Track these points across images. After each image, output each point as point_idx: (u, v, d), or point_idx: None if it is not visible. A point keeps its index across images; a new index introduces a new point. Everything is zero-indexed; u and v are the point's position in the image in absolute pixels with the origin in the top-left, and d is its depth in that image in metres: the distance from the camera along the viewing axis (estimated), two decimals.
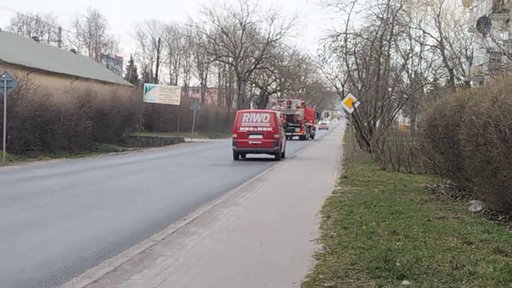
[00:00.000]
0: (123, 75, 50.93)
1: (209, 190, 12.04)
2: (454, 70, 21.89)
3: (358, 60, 22.30)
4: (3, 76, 16.19)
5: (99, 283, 4.60)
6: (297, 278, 4.83)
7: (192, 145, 31.16)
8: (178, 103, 34.46)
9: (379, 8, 21.13)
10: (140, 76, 55.48)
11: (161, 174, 15.81)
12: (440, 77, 23.32)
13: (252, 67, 47.52)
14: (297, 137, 38.48)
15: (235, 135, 19.68)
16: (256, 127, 19.63)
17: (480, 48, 20.81)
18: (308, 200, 10.42)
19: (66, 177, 14.53)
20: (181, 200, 10.65)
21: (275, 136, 19.50)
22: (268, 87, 51.33)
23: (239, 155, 19.95)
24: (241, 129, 19.59)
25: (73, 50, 47.20)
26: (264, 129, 19.53)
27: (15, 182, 13.22)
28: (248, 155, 20.23)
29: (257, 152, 19.84)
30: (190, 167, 17.86)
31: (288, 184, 13.23)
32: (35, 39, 43.67)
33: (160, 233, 6.92)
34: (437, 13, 20.16)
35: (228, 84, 55.16)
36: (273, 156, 19.92)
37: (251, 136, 19.50)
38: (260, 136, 19.53)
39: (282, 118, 29.62)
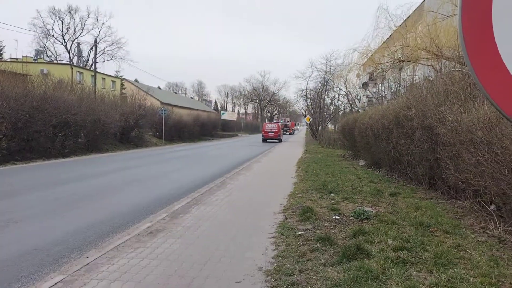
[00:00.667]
0: (212, 107, 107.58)
1: (248, 156, 23.31)
2: (352, 105, 39.48)
3: (311, 101, 48.96)
4: (163, 108, 35.96)
5: (203, 195, 9.99)
6: (286, 193, 10.27)
7: (241, 138, 58.33)
8: (235, 119, 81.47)
9: (320, 79, 45.45)
10: (219, 107, 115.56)
11: (227, 149, 30.43)
12: (345, 108, 43.74)
13: (267, 104, 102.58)
14: (287, 134, 73.44)
15: (263, 132, 44.24)
16: (271, 129, 43.98)
17: (363, 95, 41.29)
18: (291, 159, 19.59)
19: (188, 151, 27.47)
20: (237, 160, 20.26)
21: (279, 133, 43.80)
22: (274, 112, 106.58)
23: (265, 140, 43.14)
24: (266, 129, 44.27)
25: (191, 97, 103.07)
26: (274, 129, 43.78)
27: (168, 152, 25.40)
28: (268, 140, 43.10)
29: (271, 139, 43.16)
30: (240, 146, 35.15)
31: (282, 153, 25.97)
32: (175, 92, 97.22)
33: (228, 174, 13.48)
34: (345, 80, 37.93)
35: (256, 111, 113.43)
36: (277, 141, 43.15)
37: (269, 133, 43.40)
38: (273, 133, 43.34)
39: (281, 126, 58.83)
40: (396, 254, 5.00)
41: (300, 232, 6.26)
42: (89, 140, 23.05)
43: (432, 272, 4.46)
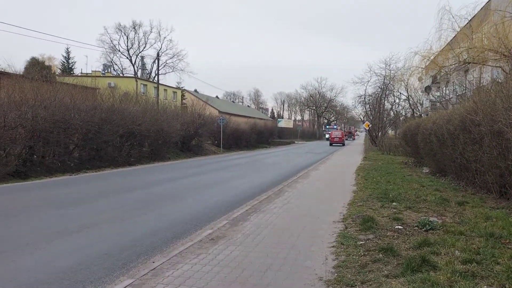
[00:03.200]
0: (268, 115, 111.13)
1: (306, 163, 23.31)
2: (414, 109, 38.66)
3: (370, 106, 48.57)
4: (221, 117, 36.40)
5: (261, 203, 10.02)
6: (345, 201, 10.07)
7: (298, 145, 57.72)
8: (291, 127, 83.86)
9: (379, 84, 44.63)
10: (275, 115, 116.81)
11: (284, 156, 30.70)
12: (406, 113, 41.98)
13: (323, 110, 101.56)
14: (350, 140, 77.78)
15: (330, 138, 56.28)
16: (336, 135, 55.26)
17: (426, 99, 40.88)
18: (350, 167, 19.42)
19: (245, 158, 28.01)
20: (294, 168, 20.37)
21: (342, 138, 55.36)
22: (331, 119, 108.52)
23: (331, 144, 52.74)
24: (332, 136, 55.76)
25: (248, 106, 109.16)
26: (339, 136, 55.30)
27: (226, 160, 26.26)
28: (333, 144, 52.07)
29: (336, 143, 52.88)
30: (297, 153, 34.79)
31: (340, 160, 25.80)
32: (232, 101, 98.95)
33: (286, 182, 13.51)
34: (406, 84, 37.17)
35: (312, 118, 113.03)
36: (341, 145, 52.26)
37: (335, 139, 54.25)
38: (338, 138, 54.16)
39: (346, 132, 76.42)
40: (464, 266, 4.74)
41: (361, 242, 6.12)
42: (152, 149, 24.09)
43: (505, 287, 4.18)
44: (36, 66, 33.18)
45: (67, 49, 61.43)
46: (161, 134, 24.23)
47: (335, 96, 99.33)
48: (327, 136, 73.67)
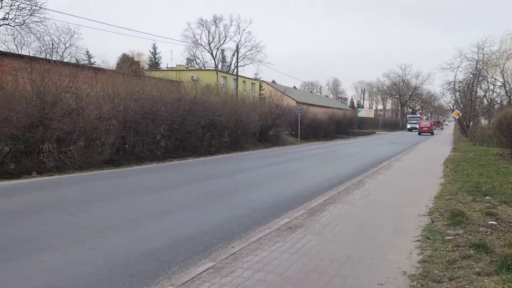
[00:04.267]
0: (348, 105, 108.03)
1: (388, 154, 22.15)
2: (511, 97, 35.24)
3: (460, 94, 46.29)
4: (299, 108, 36.29)
5: (340, 194, 9.72)
6: (432, 194, 9.46)
7: (379, 135, 53.81)
8: (372, 116, 79.36)
9: (471, 69, 41.57)
10: (355, 104, 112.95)
11: (364, 147, 29.26)
12: (502, 100, 38.92)
13: (408, 99, 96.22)
14: (438, 129, 75.61)
15: (419, 127, 57.80)
16: (425, 125, 57.67)
17: None
18: (437, 158, 18.43)
19: (323, 149, 27.46)
20: (375, 159, 19.46)
21: (431, 128, 57.12)
22: (416, 108, 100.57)
23: (420, 133, 53.97)
24: (421, 125, 57.99)
25: (326, 95, 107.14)
26: (428, 125, 57.53)
27: (304, 150, 25.74)
28: (422, 134, 53.67)
29: (425, 133, 54.25)
30: (378, 144, 32.94)
31: (426, 151, 24.54)
32: (310, 91, 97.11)
33: (366, 173, 13.18)
34: (502, 69, 34.04)
35: (395, 107, 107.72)
36: (430, 134, 53.47)
37: (423, 128, 56.18)
38: (427, 128, 56.06)
39: (434, 122, 75.84)
40: None
41: (450, 237, 5.74)
42: (232, 139, 24.72)
43: None
44: (127, 62, 35.73)
45: (154, 45, 65.23)
46: (240, 125, 24.74)
47: (420, 83, 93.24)
48: (409, 126, 70.31)
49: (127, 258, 5.24)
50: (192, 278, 4.46)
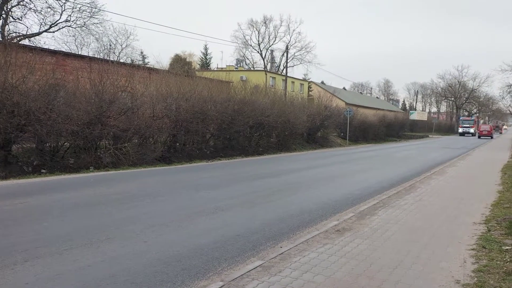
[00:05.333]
0: (399, 107, 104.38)
1: (441, 159, 21.56)
2: None
3: None
4: (348, 109, 35.27)
5: (390, 198, 9.50)
6: (488, 202, 9.08)
7: (432, 139, 52.50)
8: (425, 119, 75.61)
9: None
10: (407, 107, 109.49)
11: (416, 151, 28.53)
12: None
13: (464, 101, 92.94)
14: (497, 134, 76.87)
15: (479, 131, 60.11)
16: (485, 129, 59.64)
17: None
18: (494, 165, 17.85)
19: (373, 151, 26.98)
20: (427, 163, 18.94)
21: (491, 132, 58.85)
22: (473, 111, 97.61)
23: (480, 137, 56.26)
24: (481, 129, 59.94)
25: (377, 97, 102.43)
26: (487, 129, 59.29)
27: (352, 153, 25.55)
28: (482, 137, 55.36)
29: (485, 136, 56.58)
30: (431, 148, 32.14)
31: (483, 157, 23.26)
32: (360, 92, 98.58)
33: (418, 178, 12.85)
34: None
35: (450, 110, 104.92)
36: (489, 137, 55.56)
37: (483, 132, 58.44)
38: (486, 132, 58.19)
39: (494, 126, 75.42)
40: None
41: (507, 247, 5.48)
42: (279, 139, 24.80)
43: None
44: (179, 62, 36.76)
45: (205, 45, 66.69)
46: (288, 126, 24.76)
47: (478, 86, 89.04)
48: (460, 130, 66.72)
49: (179, 252, 5.45)
50: (241, 275, 4.57)
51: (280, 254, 5.29)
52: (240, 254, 5.50)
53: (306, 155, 22.91)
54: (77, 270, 4.71)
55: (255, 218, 7.52)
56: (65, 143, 13.91)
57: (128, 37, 49.26)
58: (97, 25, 35.78)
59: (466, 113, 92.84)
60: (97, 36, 38.70)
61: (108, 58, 29.25)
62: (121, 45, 46.65)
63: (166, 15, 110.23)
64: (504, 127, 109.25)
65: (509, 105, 48.25)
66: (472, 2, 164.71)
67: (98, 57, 31.32)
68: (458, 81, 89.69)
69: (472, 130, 65.77)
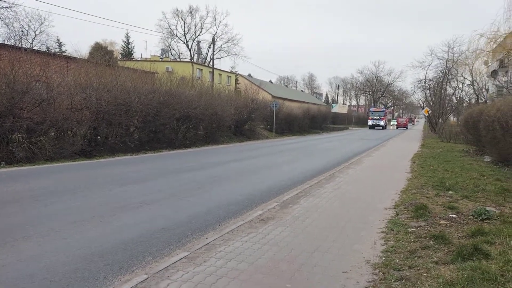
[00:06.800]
0: (322, 100, 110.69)
1: (359, 149, 22.96)
2: (479, 95, 37.00)
3: (430, 91, 47.21)
4: (274, 102, 36.47)
5: (312, 187, 10.02)
6: (398, 188, 9.85)
7: (352, 131, 56.20)
8: (346, 112, 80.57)
9: (441, 68, 43.30)
10: (329, 100, 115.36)
11: (337, 142, 30.16)
12: (470, 99, 40.95)
13: (380, 95, 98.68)
14: (411, 125, 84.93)
15: (397, 123, 73.95)
16: (402, 121, 73.15)
17: (492, 85, 38.84)
18: (405, 154, 19.13)
19: (298, 143, 28.00)
20: (347, 154, 20.18)
21: (406, 123, 72.44)
22: (388, 104, 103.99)
23: (397, 127, 69.15)
24: (399, 121, 73.87)
25: (302, 90, 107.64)
26: (403, 121, 72.81)
27: (278, 145, 26.62)
28: (399, 128, 68.12)
29: (402, 127, 69.09)
30: (351, 140, 33.83)
31: (396, 147, 25.06)
32: (286, 86, 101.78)
33: (337, 168, 13.54)
34: (471, 68, 35.11)
35: (368, 103, 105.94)
36: (405, 128, 66.76)
37: (401, 123, 71.56)
38: (403, 124, 71.27)
39: (408, 119, 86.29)
40: None
41: (412, 229, 6.07)
42: (207, 132, 24.78)
43: None
44: (100, 51, 34.99)
45: (127, 34, 64.19)
46: (215, 118, 24.81)
47: (393, 80, 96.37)
48: (370, 122, 64.65)
49: (102, 248, 5.32)
50: (166, 267, 4.60)
51: (205, 245, 5.39)
52: (165, 247, 5.50)
53: (233, 148, 23.15)
54: None
55: (181, 211, 7.53)
56: None
57: (42, 23, 45.98)
58: (7, 9, 32.90)
59: (383, 106, 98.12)
60: (7, 21, 35.61)
61: (20, 46, 27.03)
62: (35, 32, 43.40)
63: (86, 1, 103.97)
64: (416, 119, 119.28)
65: (420, 99, 52.53)
66: (390, 3, 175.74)
67: (9, 43, 28.85)
68: (375, 76, 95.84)
69: (382, 123, 63.77)
